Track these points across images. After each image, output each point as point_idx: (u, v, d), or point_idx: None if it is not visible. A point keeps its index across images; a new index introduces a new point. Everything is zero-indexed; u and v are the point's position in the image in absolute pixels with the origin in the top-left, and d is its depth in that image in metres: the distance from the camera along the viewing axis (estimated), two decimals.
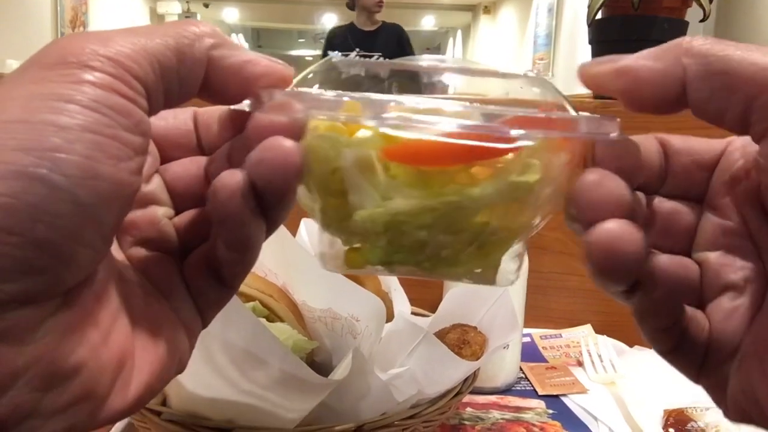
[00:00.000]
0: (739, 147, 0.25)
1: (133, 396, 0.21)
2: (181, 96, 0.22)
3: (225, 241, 0.23)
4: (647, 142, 0.25)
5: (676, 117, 0.23)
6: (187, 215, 0.26)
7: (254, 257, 0.24)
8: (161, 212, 0.25)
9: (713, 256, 0.24)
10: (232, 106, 0.24)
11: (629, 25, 0.94)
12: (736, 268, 0.24)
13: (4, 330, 0.17)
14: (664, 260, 0.21)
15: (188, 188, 0.25)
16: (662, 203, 0.26)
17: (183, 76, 0.22)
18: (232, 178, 0.22)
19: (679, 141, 0.25)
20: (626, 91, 0.22)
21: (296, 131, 0.22)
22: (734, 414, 0.23)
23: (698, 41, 0.22)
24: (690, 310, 0.24)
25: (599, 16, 0.97)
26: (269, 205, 0.22)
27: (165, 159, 0.26)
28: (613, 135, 0.23)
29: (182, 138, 0.26)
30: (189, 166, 0.26)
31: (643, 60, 0.22)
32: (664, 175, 0.25)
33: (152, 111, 0.21)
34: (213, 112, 0.26)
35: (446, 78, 0.28)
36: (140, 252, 0.24)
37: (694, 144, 0.26)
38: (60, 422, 0.19)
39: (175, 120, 0.26)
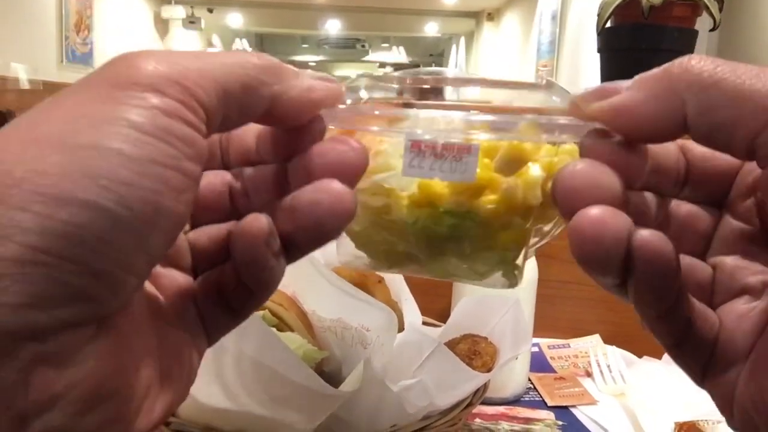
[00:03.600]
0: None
1: (156, 416, 0.21)
2: (238, 124, 0.22)
3: (244, 280, 0.23)
4: (668, 147, 0.24)
5: None
6: (204, 232, 0.25)
7: (270, 294, 0.24)
8: None
9: (729, 260, 0.24)
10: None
11: (639, 33, 0.94)
12: (754, 272, 0.23)
13: (50, 353, 0.17)
14: (645, 234, 0.20)
15: (209, 203, 0.25)
16: (680, 206, 0.25)
17: (244, 106, 0.21)
18: (255, 223, 0.21)
19: (700, 146, 0.25)
20: (626, 130, 0.22)
21: (360, 164, 0.22)
22: (740, 421, 0.22)
23: (692, 66, 0.21)
24: (698, 305, 0.23)
25: (609, 24, 0.97)
26: (303, 245, 0.22)
27: None
28: (590, 129, 0.22)
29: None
30: (212, 180, 0.25)
31: (638, 94, 0.21)
32: (684, 179, 0.25)
33: (207, 135, 0.21)
34: (245, 127, 0.25)
35: (452, 87, 0.28)
36: (156, 269, 0.24)
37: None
38: None
39: None
